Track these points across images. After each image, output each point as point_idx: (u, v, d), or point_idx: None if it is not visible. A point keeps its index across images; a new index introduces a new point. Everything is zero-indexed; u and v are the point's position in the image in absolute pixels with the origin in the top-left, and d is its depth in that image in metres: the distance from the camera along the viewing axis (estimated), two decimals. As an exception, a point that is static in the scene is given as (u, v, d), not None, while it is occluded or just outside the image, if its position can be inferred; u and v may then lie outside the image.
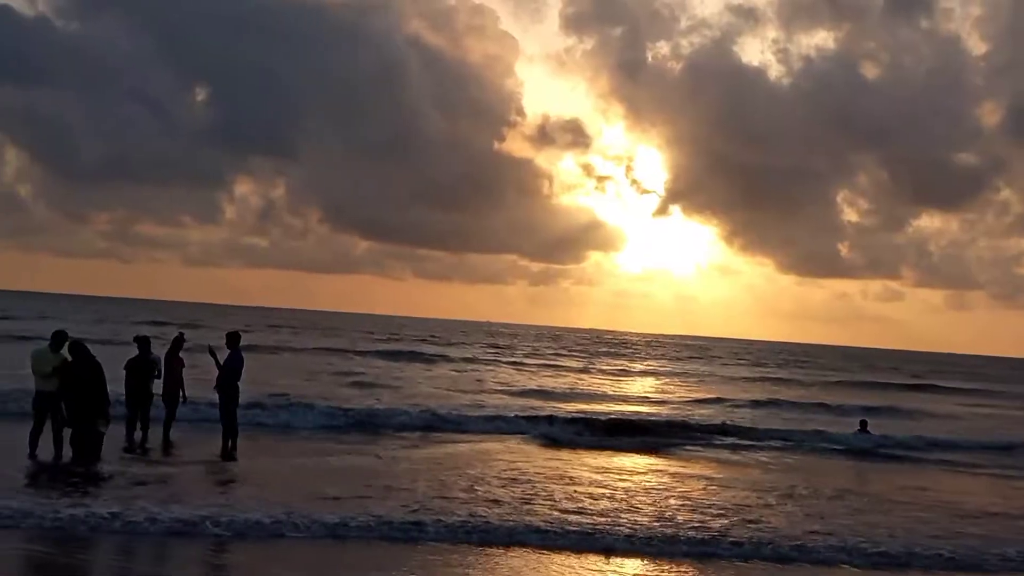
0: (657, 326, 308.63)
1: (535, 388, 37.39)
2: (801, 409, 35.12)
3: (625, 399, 36.53)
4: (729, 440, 24.50)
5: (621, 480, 17.30)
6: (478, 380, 40.55)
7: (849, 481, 19.68)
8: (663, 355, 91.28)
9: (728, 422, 27.20)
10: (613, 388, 42.12)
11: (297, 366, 41.06)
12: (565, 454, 20.58)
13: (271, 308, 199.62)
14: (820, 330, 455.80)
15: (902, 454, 24.37)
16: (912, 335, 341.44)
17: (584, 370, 54.84)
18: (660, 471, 19.02)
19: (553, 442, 22.23)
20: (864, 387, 53.92)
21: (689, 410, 32.28)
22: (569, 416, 25.77)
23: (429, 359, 52.96)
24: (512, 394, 34.26)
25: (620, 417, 27.06)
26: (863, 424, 26.38)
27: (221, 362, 17.61)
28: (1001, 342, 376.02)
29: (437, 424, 23.24)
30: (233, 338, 17.90)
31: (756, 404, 36.05)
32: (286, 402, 23.83)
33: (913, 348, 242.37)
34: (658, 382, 49.32)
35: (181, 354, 18.39)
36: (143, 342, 17.89)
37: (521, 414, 25.45)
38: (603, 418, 26.02)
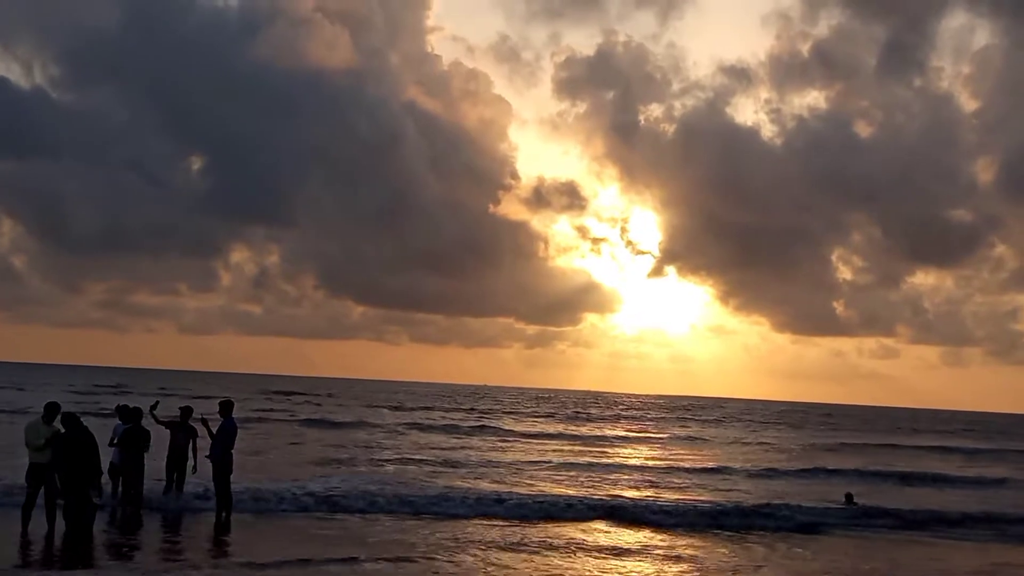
0: (653, 387, 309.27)
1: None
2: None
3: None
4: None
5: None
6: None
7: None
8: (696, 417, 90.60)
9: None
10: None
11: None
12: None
13: (268, 375, 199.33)
14: (815, 388, 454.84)
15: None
16: (908, 392, 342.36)
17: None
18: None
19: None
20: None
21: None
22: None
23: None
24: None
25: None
26: (849, 497, 25.42)
27: (214, 431, 17.66)
28: (998, 398, 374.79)
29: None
30: (226, 406, 17.89)
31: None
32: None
33: (908, 405, 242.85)
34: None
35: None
36: (135, 413, 17.91)
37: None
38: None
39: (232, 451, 17.59)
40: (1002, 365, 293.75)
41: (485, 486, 24.10)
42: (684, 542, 18.14)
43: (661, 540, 18.17)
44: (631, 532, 19.03)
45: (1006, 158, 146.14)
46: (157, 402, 19.04)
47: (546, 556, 15.83)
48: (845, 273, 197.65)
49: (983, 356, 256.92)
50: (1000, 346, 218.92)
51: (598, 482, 27.29)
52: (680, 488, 26.68)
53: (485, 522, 18.99)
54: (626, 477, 29.21)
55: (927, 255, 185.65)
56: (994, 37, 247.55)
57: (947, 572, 16.98)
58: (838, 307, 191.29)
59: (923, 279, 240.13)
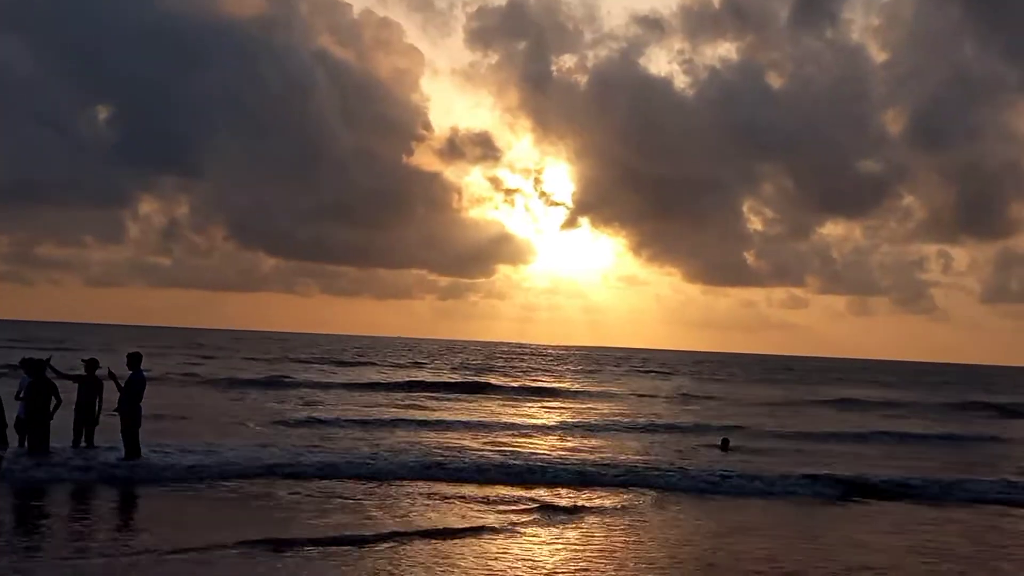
0: (566, 337, 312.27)
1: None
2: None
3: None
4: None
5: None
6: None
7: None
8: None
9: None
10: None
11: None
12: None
13: (177, 328, 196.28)
14: (726, 338, 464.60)
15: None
16: (816, 341, 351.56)
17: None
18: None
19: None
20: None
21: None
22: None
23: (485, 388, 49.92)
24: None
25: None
26: (724, 443, 26.60)
27: (122, 383, 17.44)
28: (903, 346, 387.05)
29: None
30: (134, 359, 17.67)
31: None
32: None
33: (817, 354, 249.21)
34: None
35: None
36: (39, 365, 17.54)
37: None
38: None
39: (140, 404, 17.42)
40: (907, 314, 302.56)
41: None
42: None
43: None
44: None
45: (914, 109, 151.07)
46: (51, 356, 18.56)
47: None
48: (756, 224, 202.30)
49: (889, 305, 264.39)
50: (906, 295, 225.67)
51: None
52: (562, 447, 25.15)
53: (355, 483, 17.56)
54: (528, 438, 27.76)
55: (836, 206, 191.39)
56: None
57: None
58: (749, 257, 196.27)
59: (832, 229, 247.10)
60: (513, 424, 31.17)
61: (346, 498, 15.97)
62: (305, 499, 15.73)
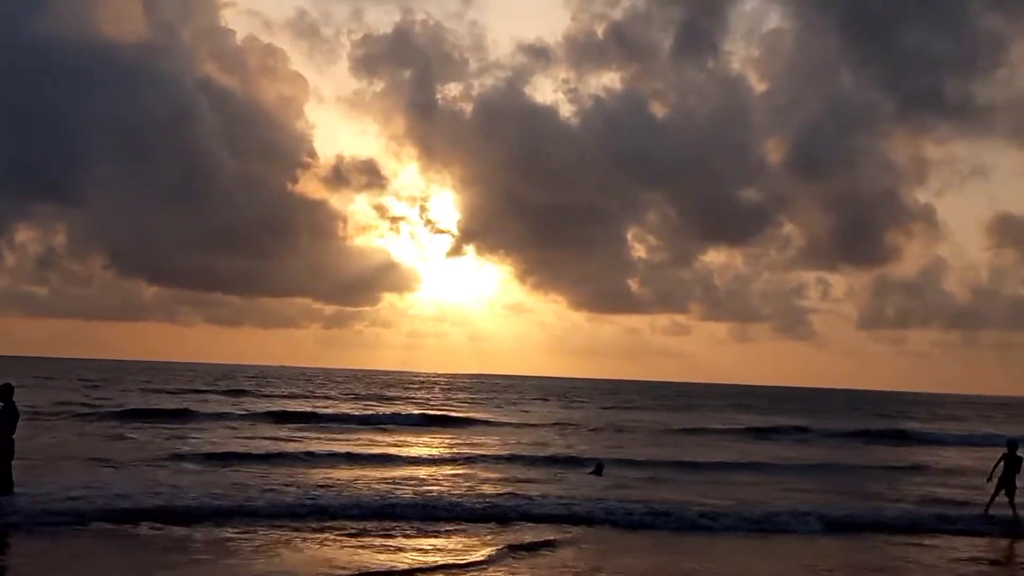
0: (452, 365, 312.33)
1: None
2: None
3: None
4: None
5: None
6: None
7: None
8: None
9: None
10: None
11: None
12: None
13: (58, 359, 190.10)
14: (611, 365, 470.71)
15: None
16: (698, 367, 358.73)
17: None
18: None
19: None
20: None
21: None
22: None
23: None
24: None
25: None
26: (599, 467, 27.19)
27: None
28: (783, 372, 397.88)
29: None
30: (5, 390, 17.56)
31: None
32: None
33: (699, 380, 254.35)
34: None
35: None
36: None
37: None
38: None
39: (12, 437, 17.34)
40: (787, 340, 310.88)
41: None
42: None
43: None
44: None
45: (794, 139, 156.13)
46: None
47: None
48: (640, 251, 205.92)
49: (770, 331, 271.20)
50: (785, 322, 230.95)
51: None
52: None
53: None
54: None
55: (718, 234, 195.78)
56: (784, 21, 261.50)
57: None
58: (633, 285, 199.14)
59: (714, 257, 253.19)
60: (401, 457, 31.05)
61: (215, 541, 15.36)
62: (175, 543, 15.16)
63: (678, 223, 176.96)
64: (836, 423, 62.38)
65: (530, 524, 18.46)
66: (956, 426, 67.52)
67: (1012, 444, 21.72)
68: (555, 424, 52.01)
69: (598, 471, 26.88)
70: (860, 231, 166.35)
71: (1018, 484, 21.45)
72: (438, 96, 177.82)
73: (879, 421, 68.96)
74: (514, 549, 15.88)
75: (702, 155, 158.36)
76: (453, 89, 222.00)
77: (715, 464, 32.39)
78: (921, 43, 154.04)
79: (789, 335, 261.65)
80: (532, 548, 16.10)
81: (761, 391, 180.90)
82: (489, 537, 16.88)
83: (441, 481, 24.21)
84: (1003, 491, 21.35)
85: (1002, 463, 21.45)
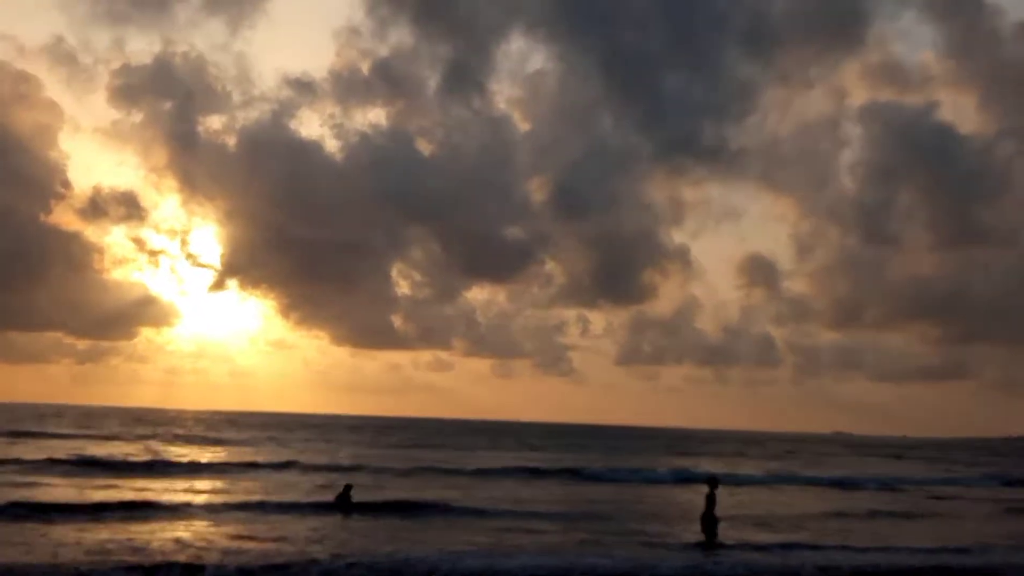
0: (212, 402, 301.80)
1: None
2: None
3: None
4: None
5: None
6: None
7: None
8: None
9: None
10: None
11: None
12: None
13: None
14: (373, 401, 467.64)
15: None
16: (461, 402, 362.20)
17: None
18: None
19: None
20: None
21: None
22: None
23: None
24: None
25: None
26: (346, 489, 27.80)
27: None
28: (544, 407, 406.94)
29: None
30: None
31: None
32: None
33: (461, 416, 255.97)
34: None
35: None
36: None
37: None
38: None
39: None
40: (548, 376, 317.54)
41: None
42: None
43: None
44: None
45: (556, 179, 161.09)
46: None
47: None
48: (404, 287, 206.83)
49: (531, 368, 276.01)
50: (547, 358, 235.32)
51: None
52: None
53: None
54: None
55: (482, 270, 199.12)
56: (547, 62, 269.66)
57: None
58: (396, 320, 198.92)
59: (478, 294, 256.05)
60: (151, 503, 27.67)
61: None
62: None
63: (442, 259, 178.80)
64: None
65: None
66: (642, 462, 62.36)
67: (712, 481, 22.80)
68: (305, 466, 48.58)
69: (344, 499, 27.20)
70: (619, 269, 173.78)
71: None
72: (199, 128, 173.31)
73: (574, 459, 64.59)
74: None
75: (467, 193, 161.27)
76: (216, 121, 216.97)
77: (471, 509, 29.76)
78: (679, 88, 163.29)
79: (550, 371, 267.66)
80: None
81: (523, 428, 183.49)
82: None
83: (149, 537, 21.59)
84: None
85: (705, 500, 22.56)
